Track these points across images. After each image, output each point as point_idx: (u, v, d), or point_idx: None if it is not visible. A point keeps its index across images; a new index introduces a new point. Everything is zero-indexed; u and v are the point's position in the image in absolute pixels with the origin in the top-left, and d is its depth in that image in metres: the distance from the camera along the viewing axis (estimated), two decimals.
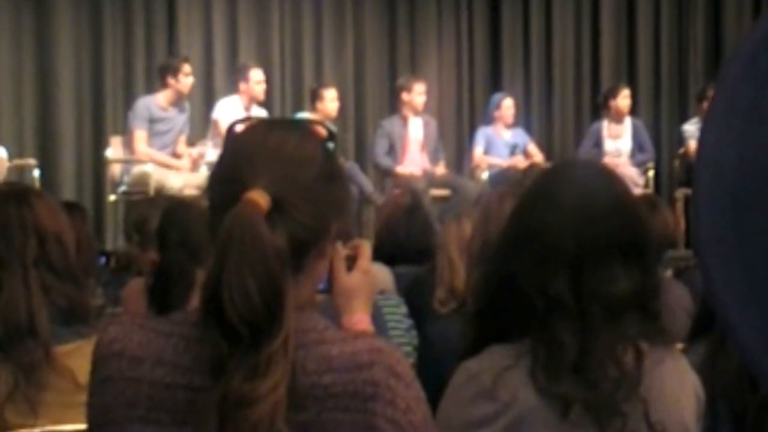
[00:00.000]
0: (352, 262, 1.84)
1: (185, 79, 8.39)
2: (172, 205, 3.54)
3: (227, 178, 1.59)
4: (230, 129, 1.74)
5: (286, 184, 1.55)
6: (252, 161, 1.57)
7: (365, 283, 1.85)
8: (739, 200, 0.60)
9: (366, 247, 1.92)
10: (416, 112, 9.19)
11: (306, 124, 1.79)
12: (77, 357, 2.34)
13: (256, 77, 8.74)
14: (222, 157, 1.67)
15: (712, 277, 0.62)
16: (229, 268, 1.46)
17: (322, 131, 1.75)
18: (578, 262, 1.82)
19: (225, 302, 1.45)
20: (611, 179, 1.99)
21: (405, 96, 9.16)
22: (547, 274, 1.82)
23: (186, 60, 8.58)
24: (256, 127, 1.71)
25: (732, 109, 0.62)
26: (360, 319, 1.88)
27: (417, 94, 9.15)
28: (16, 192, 2.63)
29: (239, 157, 1.60)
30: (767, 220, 0.59)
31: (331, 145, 1.69)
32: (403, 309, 3.51)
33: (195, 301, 1.58)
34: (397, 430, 1.52)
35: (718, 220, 0.61)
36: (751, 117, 0.60)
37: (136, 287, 3.42)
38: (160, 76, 8.59)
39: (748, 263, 0.59)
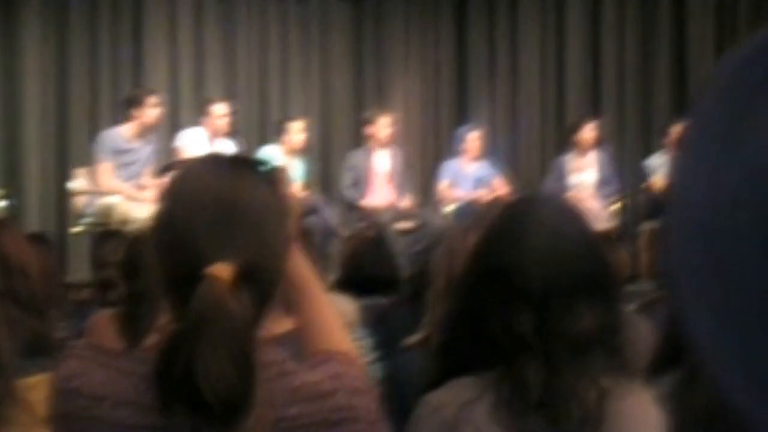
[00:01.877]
0: (279, 173, 1.74)
1: (151, 111, 8.37)
2: (140, 235, 3.53)
3: (181, 245, 1.55)
4: (164, 173, 1.67)
5: (248, 249, 1.53)
6: (207, 228, 1.53)
7: (292, 192, 1.75)
8: (710, 230, 0.60)
9: (294, 154, 1.82)
10: (382, 145, 9.21)
11: (251, 161, 1.74)
12: (39, 391, 2.32)
13: (219, 111, 8.74)
14: (166, 214, 1.59)
15: (686, 308, 0.62)
16: (203, 350, 1.44)
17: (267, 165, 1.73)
18: (544, 301, 1.83)
19: (201, 384, 1.44)
20: (575, 216, 1.99)
21: (370, 129, 9.19)
22: (512, 313, 1.83)
23: (152, 92, 8.56)
24: (200, 178, 1.61)
25: (705, 138, 0.62)
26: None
27: (382, 126, 9.17)
28: None
29: (191, 220, 1.54)
30: (739, 249, 0.59)
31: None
32: (369, 341, 3.51)
33: (152, 338, 1.56)
34: None
35: (690, 250, 0.62)
36: (725, 146, 0.60)
37: (101, 319, 3.40)
38: (125, 108, 8.57)
39: (722, 294, 0.60)
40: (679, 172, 0.64)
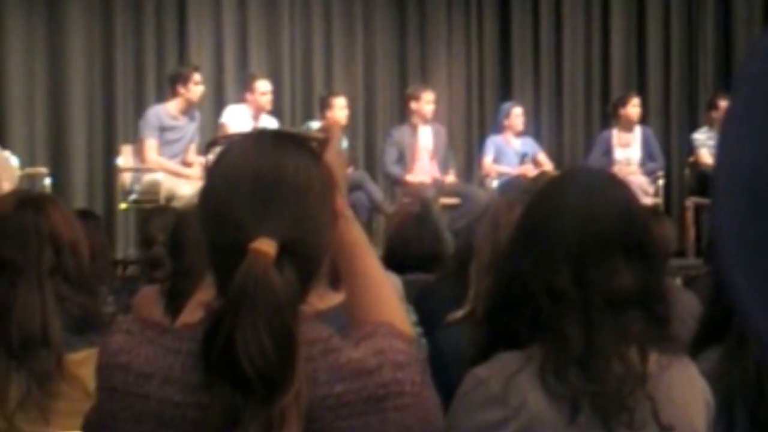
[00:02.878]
0: (322, 146, 1.73)
1: (195, 88, 8.41)
2: (185, 211, 3.56)
3: (224, 219, 1.56)
4: (209, 149, 1.68)
5: (290, 224, 1.54)
6: (250, 202, 1.54)
7: (337, 165, 1.72)
8: (757, 199, 0.61)
9: (335, 130, 1.84)
10: (425, 121, 9.20)
11: (294, 136, 1.74)
12: (88, 366, 2.35)
13: (262, 88, 8.75)
14: (210, 189, 1.61)
15: (734, 276, 0.63)
16: (244, 324, 1.46)
17: (316, 136, 1.73)
18: (581, 257, 1.87)
19: (241, 358, 1.45)
20: (617, 184, 2.05)
21: (414, 105, 9.17)
22: (551, 270, 1.86)
23: (196, 69, 8.60)
24: (242, 153, 1.63)
25: (751, 107, 0.63)
26: (339, 203, 1.72)
27: (426, 102, 9.16)
28: (32, 200, 2.63)
29: (234, 196, 1.56)
30: None
31: (344, 144, 1.65)
32: (413, 317, 3.52)
33: (196, 313, 1.57)
34: (408, 414, 1.54)
35: (737, 219, 0.62)
36: None
37: (147, 294, 3.43)
38: (170, 84, 8.61)
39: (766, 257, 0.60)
40: (725, 138, 0.64)
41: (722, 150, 0.64)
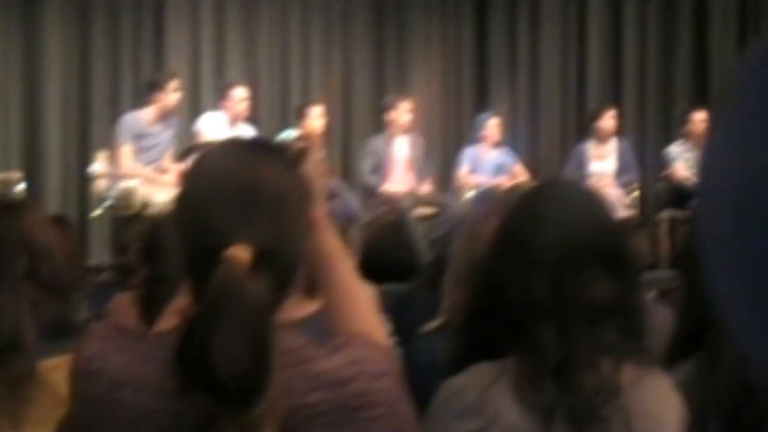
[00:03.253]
0: (301, 155, 1.73)
1: (172, 95, 8.39)
2: (161, 218, 3.55)
3: (200, 226, 1.56)
4: (185, 157, 1.68)
5: (266, 232, 1.54)
6: (226, 209, 1.54)
7: (315, 174, 1.73)
8: (742, 209, 0.61)
9: (314, 139, 1.83)
10: (403, 131, 9.21)
11: (272, 145, 1.75)
12: (61, 372, 2.33)
13: (239, 95, 8.74)
14: (187, 196, 1.60)
15: (716, 283, 0.63)
16: (218, 331, 1.45)
17: (295, 146, 1.74)
18: (559, 268, 1.88)
19: (216, 365, 1.44)
20: (591, 197, 2.07)
21: (391, 115, 9.18)
22: (528, 279, 1.87)
23: (173, 75, 8.58)
24: (220, 160, 1.63)
25: (737, 121, 0.63)
26: (317, 212, 1.73)
27: (403, 112, 9.17)
28: (5, 205, 2.62)
29: (210, 203, 1.55)
30: None
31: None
32: (388, 327, 3.51)
33: (171, 321, 1.57)
34: (382, 425, 1.54)
35: (722, 226, 0.62)
36: (756, 124, 0.61)
37: (122, 301, 3.42)
38: (146, 91, 8.59)
39: (752, 274, 0.61)
40: (711, 150, 0.64)
41: (708, 162, 0.64)
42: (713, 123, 0.65)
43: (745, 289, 0.61)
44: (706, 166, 0.65)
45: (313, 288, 1.87)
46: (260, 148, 1.67)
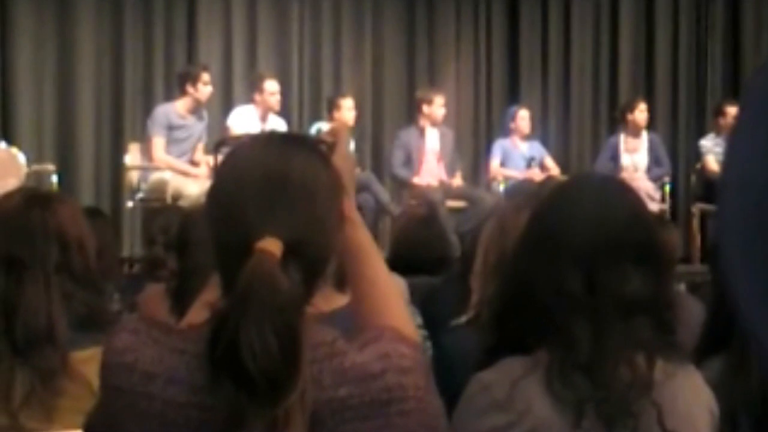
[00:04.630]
0: (330, 148, 1.74)
1: (204, 88, 8.41)
2: (192, 210, 3.56)
3: (231, 219, 1.57)
4: (218, 150, 1.69)
5: (297, 224, 1.54)
6: (257, 201, 1.55)
7: (345, 168, 1.73)
8: (766, 213, 0.61)
9: (344, 133, 1.85)
10: (434, 124, 9.20)
11: (303, 139, 1.76)
12: (93, 364, 2.35)
13: (271, 88, 8.74)
14: (218, 189, 1.62)
15: (739, 289, 0.63)
16: (248, 323, 1.45)
17: (324, 139, 1.74)
18: (591, 262, 1.87)
19: (245, 358, 1.45)
20: (626, 190, 2.06)
21: (425, 108, 9.16)
22: (561, 273, 1.86)
23: (205, 68, 8.59)
24: (251, 153, 1.64)
25: (759, 121, 0.62)
26: (347, 206, 1.73)
27: (437, 106, 9.16)
28: (39, 197, 2.64)
29: (241, 195, 1.57)
30: None
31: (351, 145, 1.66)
32: (418, 320, 3.51)
33: (202, 313, 1.57)
34: (411, 419, 1.54)
35: (745, 234, 0.62)
36: None
37: (153, 293, 3.43)
38: (179, 83, 8.62)
39: None
40: (734, 151, 0.64)
41: (730, 164, 0.64)
42: (736, 122, 0.64)
43: (765, 290, 0.61)
44: (727, 165, 0.64)
45: (343, 281, 1.87)
46: (290, 142, 1.67)
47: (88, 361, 2.41)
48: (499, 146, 9.63)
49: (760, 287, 0.61)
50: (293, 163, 1.59)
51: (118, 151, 9.48)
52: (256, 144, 1.68)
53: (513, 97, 10.97)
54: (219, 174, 1.66)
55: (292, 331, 1.47)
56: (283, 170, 1.58)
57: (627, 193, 2.03)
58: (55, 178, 8.61)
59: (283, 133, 1.91)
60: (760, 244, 0.61)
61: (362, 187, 8.47)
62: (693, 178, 9.77)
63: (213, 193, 1.63)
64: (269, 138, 1.74)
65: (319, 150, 1.67)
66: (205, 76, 8.42)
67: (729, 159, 0.65)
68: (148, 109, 9.20)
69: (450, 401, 1.85)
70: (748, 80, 0.65)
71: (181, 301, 3.03)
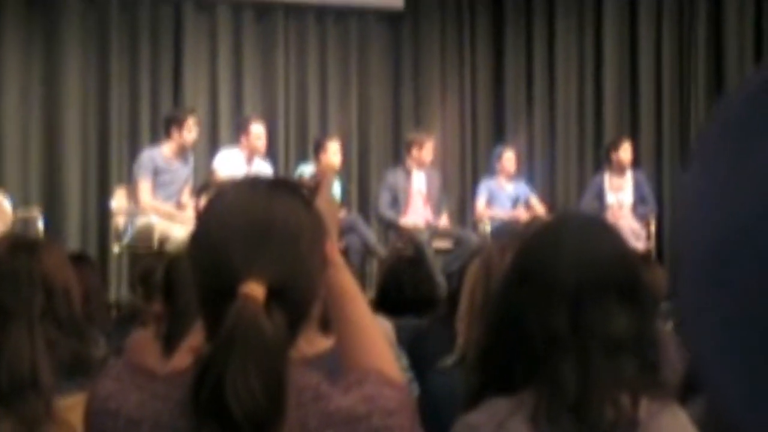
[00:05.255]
0: (313, 192, 1.73)
1: (188, 134, 8.38)
2: (178, 254, 3.56)
3: (214, 263, 1.56)
4: (200, 194, 1.69)
5: (280, 269, 1.54)
6: (240, 246, 1.55)
7: (328, 211, 1.74)
8: (721, 255, 0.61)
9: (328, 176, 1.85)
10: (422, 166, 9.23)
11: (287, 183, 1.76)
12: (78, 411, 2.33)
13: (257, 131, 8.76)
14: (202, 233, 1.62)
15: (693, 333, 0.63)
16: (233, 368, 1.45)
17: (306, 183, 1.75)
18: (577, 300, 1.88)
19: (231, 403, 1.44)
20: (609, 230, 2.07)
21: (415, 151, 9.19)
22: (547, 312, 1.87)
23: (192, 113, 8.56)
24: (234, 198, 1.64)
25: (716, 167, 0.63)
26: (330, 249, 1.73)
27: (427, 150, 9.20)
28: (25, 244, 2.63)
29: (225, 240, 1.56)
30: (749, 278, 0.59)
31: (336, 189, 1.67)
32: (404, 361, 3.51)
33: (186, 358, 1.57)
34: None
35: (700, 279, 0.62)
36: (734, 177, 0.61)
37: (140, 338, 3.42)
38: (165, 126, 8.61)
39: (730, 321, 0.60)
40: (690, 199, 0.64)
41: (687, 198, 0.64)
42: (692, 159, 0.65)
43: (723, 353, 0.61)
44: (682, 206, 0.65)
45: (327, 324, 1.87)
46: (273, 186, 1.68)
47: (73, 408, 2.40)
48: (485, 186, 9.65)
49: (718, 344, 0.61)
50: (276, 207, 1.60)
51: (105, 195, 9.48)
52: (239, 188, 1.68)
53: (498, 137, 11.02)
54: (202, 218, 1.65)
55: (276, 375, 1.47)
56: (266, 215, 1.58)
57: (610, 232, 2.05)
58: (41, 223, 8.59)
59: (266, 177, 1.90)
60: (712, 286, 0.61)
61: (349, 229, 8.48)
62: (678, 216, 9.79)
63: (196, 237, 1.63)
64: (252, 182, 1.74)
65: (302, 194, 1.68)
66: (191, 121, 8.41)
67: (687, 193, 0.65)
68: (134, 153, 9.20)
69: None
70: (697, 134, 0.65)
71: (170, 345, 3.02)
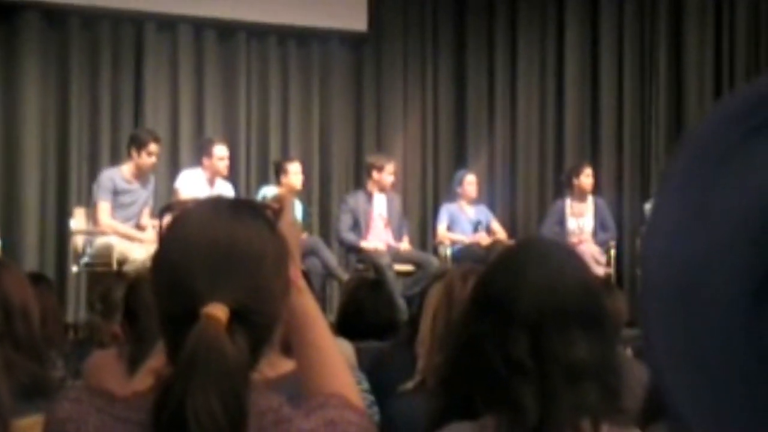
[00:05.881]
0: (276, 214, 1.73)
1: (147, 158, 8.30)
2: (139, 276, 3.54)
3: (176, 285, 1.55)
4: (163, 215, 1.68)
5: (243, 291, 1.54)
6: (203, 268, 1.54)
7: (291, 234, 1.72)
8: (686, 293, 0.61)
9: (289, 199, 1.84)
10: (383, 190, 9.24)
11: (250, 205, 1.75)
12: None
13: (220, 153, 8.73)
14: (164, 255, 1.61)
15: (659, 366, 0.63)
16: (194, 390, 1.45)
17: (270, 205, 1.74)
18: (538, 327, 1.87)
19: (191, 425, 1.44)
20: (571, 255, 2.07)
21: (375, 174, 9.19)
22: (509, 338, 1.87)
23: (156, 139, 8.40)
24: (197, 220, 1.63)
25: (679, 199, 0.63)
26: (293, 272, 1.72)
27: (387, 173, 9.20)
28: None
29: (187, 262, 1.55)
30: (709, 309, 0.60)
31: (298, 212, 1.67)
32: (365, 385, 3.50)
33: (147, 380, 1.56)
34: None
35: (665, 311, 0.63)
36: (698, 210, 0.61)
37: (100, 359, 3.40)
38: (127, 146, 8.54)
39: (695, 359, 0.61)
40: (653, 232, 0.64)
41: (650, 242, 0.64)
42: (662, 182, 0.65)
43: (690, 379, 0.61)
44: (648, 244, 0.65)
45: (288, 347, 1.86)
46: (236, 208, 1.67)
47: (30, 429, 2.37)
48: (446, 210, 9.68)
49: (682, 373, 0.62)
50: (239, 229, 1.59)
51: (63, 215, 9.41)
52: (202, 210, 1.67)
53: (460, 161, 11.06)
54: (164, 240, 1.64)
55: (238, 397, 1.46)
56: (229, 237, 1.57)
57: (573, 258, 2.05)
58: None
59: (229, 199, 1.89)
60: (677, 322, 0.61)
61: (310, 252, 8.46)
62: (638, 242, 9.86)
63: (158, 259, 1.62)
64: (215, 204, 1.73)
65: (266, 216, 1.67)
66: (153, 147, 8.32)
67: (648, 236, 0.65)
68: (93, 174, 9.15)
69: None
70: (677, 145, 0.66)
71: (130, 366, 3.00)
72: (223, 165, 8.74)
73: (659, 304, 0.63)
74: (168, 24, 10.49)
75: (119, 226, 8.27)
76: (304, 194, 9.47)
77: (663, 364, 0.62)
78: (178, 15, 10.42)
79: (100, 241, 8.25)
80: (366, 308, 4.84)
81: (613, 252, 9.57)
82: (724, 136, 0.61)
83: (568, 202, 9.57)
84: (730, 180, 0.59)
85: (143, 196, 8.47)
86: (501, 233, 9.55)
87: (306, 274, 1.80)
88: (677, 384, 0.61)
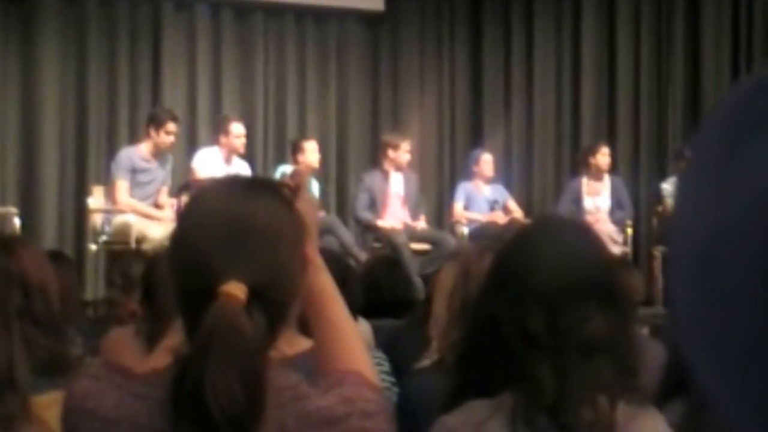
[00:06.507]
0: (293, 192, 1.72)
1: (166, 137, 8.33)
2: (157, 254, 3.56)
3: (194, 263, 1.56)
4: (181, 193, 1.69)
5: (261, 269, 1.54)
6: (220, 246, 1.54)
7: (308, 211, 1.72)
8: (708, 265, 0.61)
9: (305, 176, 1.83)
10: (399, 169, 9.23)
11: (267, 183, 1.76)
12: (55, 409, 2.33)
13: (237, 131, 8.74)
14: (182, 234, 1.61)
15: (685, 338, 0.63)
16: (212, 368, 1.45)
17: (287, 183, 1.74)
18: (554, 304, 1.88)
19: (210, 403, 1.44)
20: (587, 233, 2.09)
21: (391, 153, 9.18)
22: (525, 314, 1.88)
23: (174, 118, 8.43)
24: (215, 198, 1.63)
25: (705, 171, 0.63)
26: (310, 250, 1.72)
27: (403, 152, 9.19)
28: (2, 242, 2.62)
29: (205, 240, 1.56)
30: (735, 281, 0.60)
31: (315, 189, 1.66)
32: (386, 366, 3.51)
33: (165, 358, 1.57)
34: None
35: (689, 281, 0.63)
36: (722, 182, 0.61)
37: (118, 336, 3.42)
38: (145, 124, 8.56)
39: (718, 329, 0.61)
40: (680, 204, 0.65)
41: (678, 208, 0.65)
42: (683, 173, 0.65)
43: (714, 350, 0.61)
44: (677, 209, 0.65)
45: (306, 325, 1.87)
46: (254, 186, 1.67)
47: (49, 406, 2.39)
48: (463, 189, 9.66)
49: (702, 337, 0.62)
50: (257, 207, 1.60)
51: (82, 193, 9.43)
52: (220, 188, 1.68)
53: (476, 140, 11.04)
54: (182, 219, 1.65)
55: (256, 375, 1.47)
56: (246, 215, 1.58)
57: (589, 235, 2.06)
58: (18, 221, 8.54)
59: (246, 177, 1.90)
60: (700, 294, 0.62)
61: (326, 230, 8.47)
62: (654, 221, 9.84)
63: (176, 237, 1.63)
64: (233, 182, 1.73)
65: (283, 194, 1.67)
66: (171, 126, 8.33)
67: (677, 204, 0.65)
68: (112, 152, 9.17)
69: None
70: (699, 126, 0.66)
71: (147, 344, 3.02)
72: (240, 143, 8.74)
73: (684, 274, 0.63)
74: (186, 2, 10.49)
75: (137, 205, 8.29)
76: (321, 173, 9.47)
77: (687, 336, 0.63)
78: None
79: (118, 219, 8.27)
80: (382, 287, 4.85)
81: (629, 231, 9.54)
82: (756, 104, 0.61)
83: (584, 180, 9.54)
84: (760, 147, 0.60)
85: (161, 174, 8.49)
86: (517, 212, 9.54)
87: (322, 253, 1.80)
88: (701, 354, 0.62)
